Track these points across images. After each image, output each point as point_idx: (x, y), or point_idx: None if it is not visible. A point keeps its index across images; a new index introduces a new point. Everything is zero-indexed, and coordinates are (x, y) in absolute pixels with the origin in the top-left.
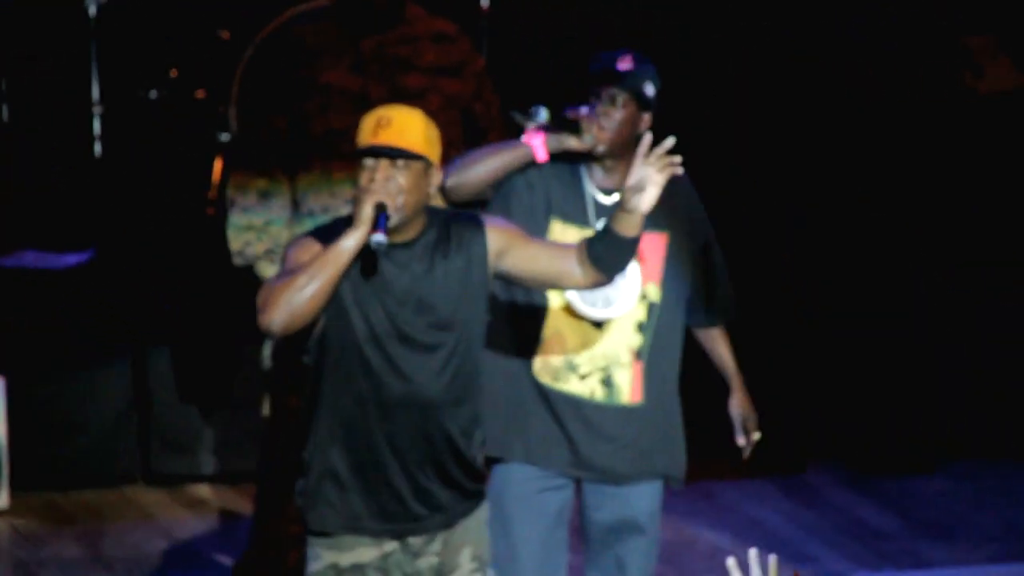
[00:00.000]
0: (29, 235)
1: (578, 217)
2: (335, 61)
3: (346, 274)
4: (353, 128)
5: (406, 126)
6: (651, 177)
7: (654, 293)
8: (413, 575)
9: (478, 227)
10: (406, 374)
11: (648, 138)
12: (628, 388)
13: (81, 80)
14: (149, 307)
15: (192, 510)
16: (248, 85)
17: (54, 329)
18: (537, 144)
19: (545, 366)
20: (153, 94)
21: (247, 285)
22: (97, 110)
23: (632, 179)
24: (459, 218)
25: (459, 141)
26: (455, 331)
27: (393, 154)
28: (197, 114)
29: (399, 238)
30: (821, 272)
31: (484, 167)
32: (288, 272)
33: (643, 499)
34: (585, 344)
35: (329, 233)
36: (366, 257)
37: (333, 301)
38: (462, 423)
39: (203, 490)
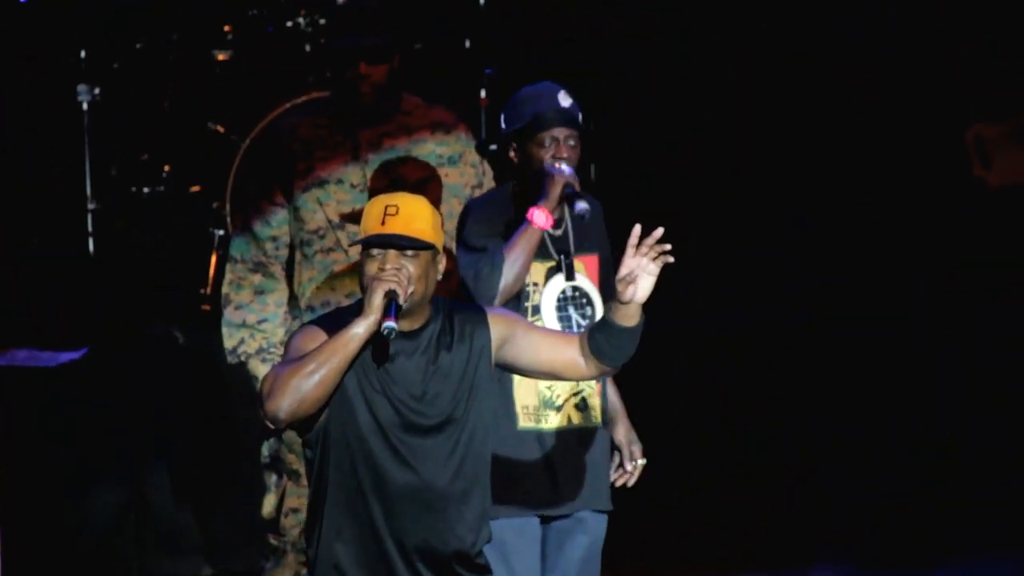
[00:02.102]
0: (22, 333)
1: (539, 253)
2: (332, 153)
3: (351, 363)
4: (352, 220)
5: (414, 214)
6: (645, 267)
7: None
8: None
9: (481, 317)
10: (411, 465)
11: (638, 228)
12: (598, 409)
13: (74, 176)
14: (145, 405)
15: None
16: (243, 179)
17: (48, 428)
18: (542, 220)
19: (523, 409)
20: (147, 190)
21: (243, 382)
22: (90, 206)
23: (624, 270)
24: (462, 308)
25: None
26: (460, 422)
27: (403, 244)
28: (192, 210)
29: (405, 327)
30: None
31: (522, 270)
32: (293, 360)
33: (598, 527)
34: None
35: (333, 322)
36: (376, 345)
37: (337, 391)
38: (469, 518)
39: None
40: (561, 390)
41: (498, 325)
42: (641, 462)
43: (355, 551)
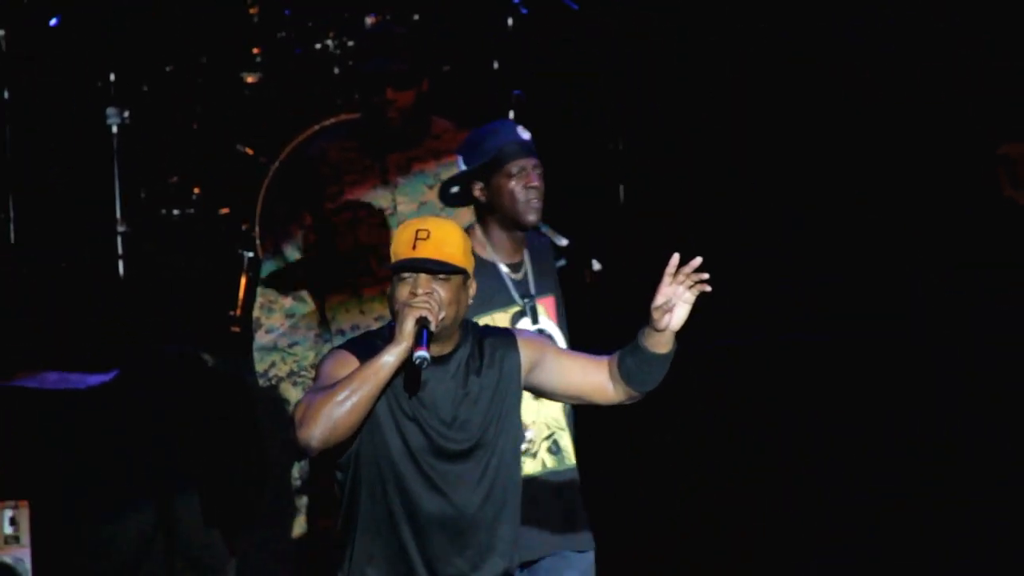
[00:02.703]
0: (52, 356)
1: (502, 302)
2: (361, 177)
3: (383, 390)
4: (382, 244)
5: (445, 238)
6: (681, 295)
7: None
8: None
9: (511, 341)
10: (442, 490)
11: (676, 257)
12: (571, 450)
13: (103, 199)
14: (174, 427)
15: None
16: (273, 202)
17: (78, 451)
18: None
19: None
20: (176, 212)
21: (273, 405)
22: (120, 229)
23: (660, 298)
24: (492, 332)
25: None
26: (489, 446)
27: (435, 269)
28: (221, 232)
29: (435, 351)
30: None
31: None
32: (325, 387)
33: (587, 560)
34: (534, 419)
35: (363, 347)
36: (408, 371)
37: (368, 416)
38: (499, 544)
39: None
40: (534, 436)
41: (528, 349)
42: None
43: (385, 574)
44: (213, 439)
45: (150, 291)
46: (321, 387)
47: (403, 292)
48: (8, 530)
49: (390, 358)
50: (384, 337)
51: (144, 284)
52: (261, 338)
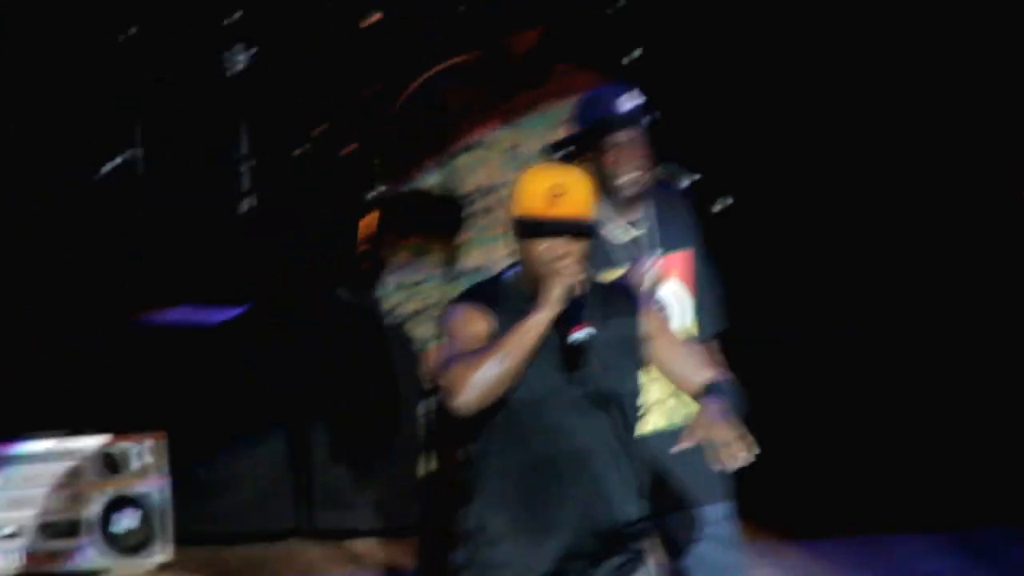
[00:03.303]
0: (183, 292)
1: (608, 263)
2: (484, 117)
3: (531, 354)
4: (504, 184)
5: (580, 194)
6: (726, 444)
7: (695, 307)
8: None
9: (635, 303)
10: (573, 437)
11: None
12: (682, 409)
13: (230, 135)
14: (305, 360)
15: (353, 564)
16: (396, 142)
17: (213, 383)
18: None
19: None
20: (303, 148)
21: (401, 342)
22: (246, 165)
23: (710, 438)
24: (617, 289)
25: None
26: (613, 398)
27: (580, 232)
28: (345, 170)
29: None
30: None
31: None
32: (470, 351)
33: (721, 523)
34: (650, 375)
35: (489, 296)
36: (569, 353)
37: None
38: (628, 493)
39: (364, 544)
40: (658, 392)
41: (649, 318)
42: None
43: (515, 523)
44: (345, 374)
45: (279, 227)
46: (463, 351)
47: (539, 250)
48: (146, 461)
49: (539, 326)
50: (507, 282)
51: (273, 219)
52: (388, 276)
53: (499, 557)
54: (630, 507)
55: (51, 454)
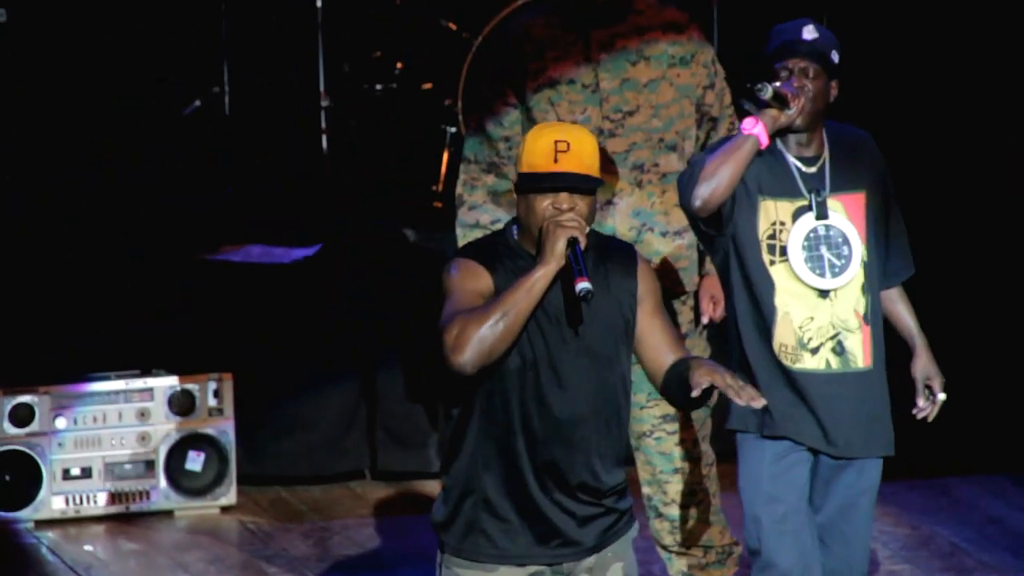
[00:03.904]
0: (256, 229)
1: (788, 192)
2: (564, 53)
3: (533, 310)
4: (583, 120)
5: (584, 150)
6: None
7: (865, 254)
8: None
9: (633, 264)
10: (557, 404)
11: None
12: (860, 353)
13: (308, 74)
14: (376, 302)
15: (420, 507)
16: (475, 78)
17: (281, 325)
18: (759, 132)
19: (782, 348)
20: (379, 87)
21: None
22: (324, 103)
23: (711, 383)
24: (615, 247)
25: (692, 132)
26: (606, 364)
27: (583, 187)
28: (423, 107)
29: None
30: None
31: (727, 176)
32: (468, 309)
33: (872, 473)
34: (813, 316)
35: (488, 252)
36: (569, 307)
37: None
38: (611, 457)
39: (431, 486)
40: (815, 333)
41: (644, 281)
42: (941, 397)
43: (504, 484)
44: (415, 315)
45: (354, 166)
46: (461, 307)
47: (544, 206)
48: (212, 402)
49: (542, 280)
50: (507, 239)
51: (348, 159)
52: (464, 215)
53: (482, 518)
54: (615, 473)
55: (120, 394)
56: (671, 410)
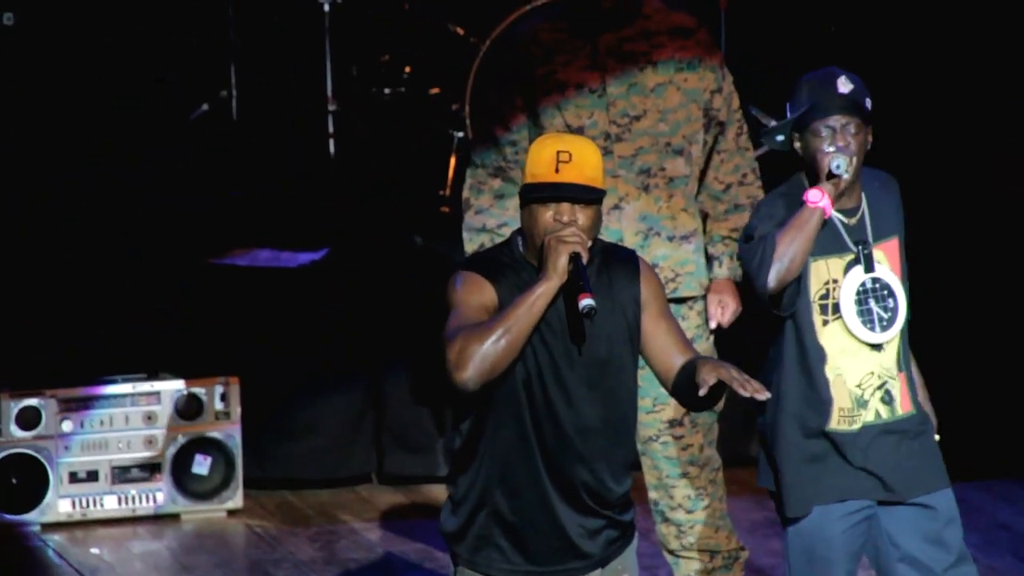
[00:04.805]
0: (263, 233)
1: (836, 248)
2: (572, 58)
3: (536, 327)
4: (590, 126)
5: (587, 160)
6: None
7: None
8: None
9: (635, 270)
10: (567, 414)
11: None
12: (899, 399)
13: (315, 78)
14: (383, 306)
15: (427, 511)
16: (482, 83)
17: (288, 329)
18: (826, 204)
19: (841, 418)
20: (387, 92)
21: None
22: (331, 107)
23: (717, 379)
24: (617, 254)
25: (699, 136)
26: (613, 372)
27: (584, 198)
28: (431, 112)
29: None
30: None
31: (800, 252)
32: (472, 325)
33: (945, 504)
34: (864, 370)
35: (492, 265)
36: (573, 319)
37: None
38: (619, 464)
39: (438, 490)
40: (867, 386)
41: (647, 286)
42: (935, 438)
43: (515, 498)
44: (422, 319)
45: (361, 170)
46: (464, 321)
47: (545, 218)
48: (219, 406)
49: (544, 297)
50: (512, 250)
51: (355, 163)
52: (471, 219)
53: (494, 532)
54: (624, 481)
55: (127, 397)
56: (677, 415)
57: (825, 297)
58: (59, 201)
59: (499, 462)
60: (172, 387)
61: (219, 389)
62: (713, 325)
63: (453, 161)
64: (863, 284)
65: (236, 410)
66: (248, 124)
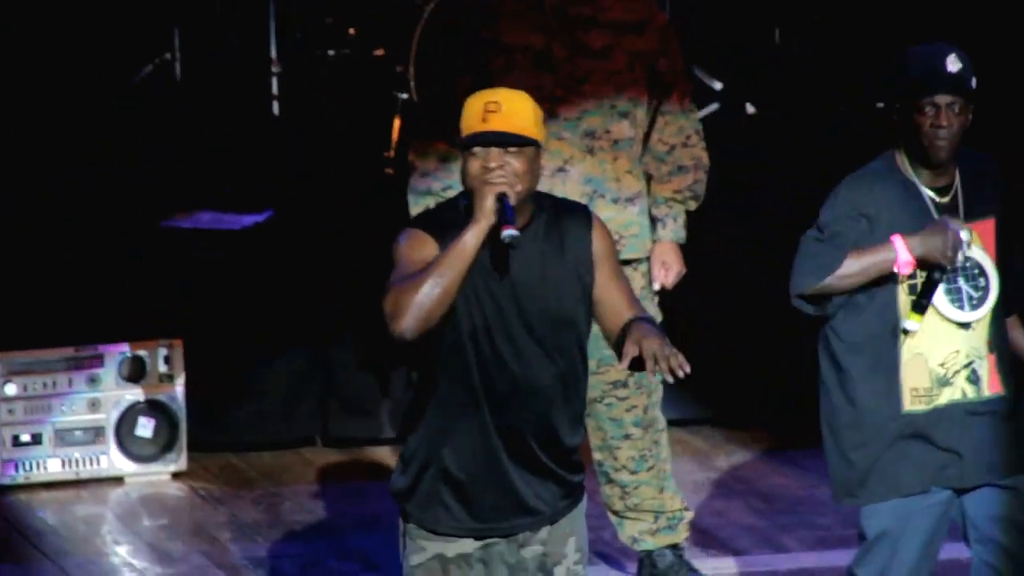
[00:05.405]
0: (207, 196)
1: (925, 226)
2: (517, 20)
3: (469, 271)
4: (536, 88)
5: (515, 110)
6: (655, 355)
7: (999, 280)
8: (516, 564)
9: (587, 224)
10: (516, 369)
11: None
12: (987, 379)
13: (259, 39)
14: (328, 269)
15: (371, 473)
16: (427, 45)
17: (232, 291)
18: (906, 268)
19: (915, 398)
20: (331, 53)
21: None
22: (275, 69)
23: (640, 352)
24: (569, 209)
25: (645, 98)
26: (564, 326)
27: (507, 141)
28: (375, 73)
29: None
30: None
31: (856, 283)
32: (408, 275)
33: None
34: (948, 348)
35: (436, 222)
36: (495, 253)
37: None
38: (569, 419)
39: (383, 453)
40: (952, 364)
41: (599, 242)
42: None
43: (463, 456)
44: (369, 282)
45: (305, 132)
46: (404, 274)
47: (476, 167)
48: (163, 369)
49: (472, 238)
50: (457, 208)
51: (299, 125)
52: (415, 181)
53: (442, 490)
54: (576, 433)
55: (71, 360)
56: (622, 376)
57: (913, 276)
58: None
59: (446, 419)
60: (116, 350)
61: (163, 352)
62: (657, 287)
63: (397, 123)
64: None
65: (180, 373)
66: (192, 86)
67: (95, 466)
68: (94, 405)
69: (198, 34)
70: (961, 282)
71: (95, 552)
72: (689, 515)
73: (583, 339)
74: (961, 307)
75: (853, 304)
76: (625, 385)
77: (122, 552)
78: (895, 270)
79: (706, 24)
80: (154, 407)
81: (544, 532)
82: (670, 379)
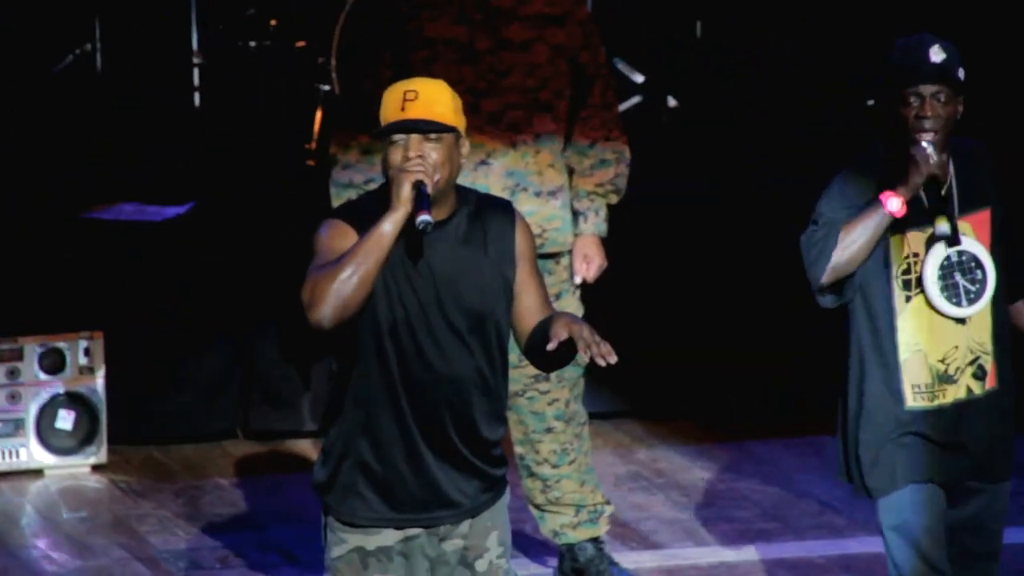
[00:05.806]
0: (128, 187)
1: (919, 221)
2: (439, 12)
3: (386, 259)
4: (459, 81)
5: (434, 98)
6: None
7: (995, 274)
8: (437, 558)
9: (510, 220)
10: (436, 362)
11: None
12: (990, 374)
13: (180, 30)
14: (250, 260)
15: (292, 466)
16: (349, 37)
17: (154, 283)
18: (895, 207)
19: (915, 393)
20: (252, 44)
21: None
22: (196, 60)
23: (568, 335)
24: (493, 204)
25: (567, 92)
26: (484, 320)
27: (425, 129)
28: (297, 65)
29: (432, 216)
30: None
31: (859, 252)
32: (326, 264)
33: (1005, 498)
34: (947, 344)
35: (358, 212)
36: (408, 240)
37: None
38: (490, 413)
39: (304, 446)
40: (954, 360)
41: (521, 238)
42: None
43: (380, 447)
44: (290, 274)
45: (227, 124)
46: (322, 263)
47: (395, 156)
48: (83, 361)
49: (389, 226)
50: (379, 199)
51: (221, 116)
52: (337, 174)
53: (359, 481)
54: (497, 429)
55: None
56: None
57: (907, 272)
58: None
59: (366, 411)
60: (35, 342)
61: (83, 344)
62: (578, 281)
63: (319, 115)
64: (947, 258)
65: (100, 365)
66: (113, 77)
67: (14, 459)
68: (13, 397)
69: (119, 25)
70: (958, 276)
71: (14, 545)
72: (610, 508)
73: (503, 333)
74: (958, 303)
75: (856, 303)
76: (547, 379)
77: (41, 545)
78: (890, 213)
79: (628, 17)
80: (74, 399)
81: (465, 526)
82: (601, 363)
